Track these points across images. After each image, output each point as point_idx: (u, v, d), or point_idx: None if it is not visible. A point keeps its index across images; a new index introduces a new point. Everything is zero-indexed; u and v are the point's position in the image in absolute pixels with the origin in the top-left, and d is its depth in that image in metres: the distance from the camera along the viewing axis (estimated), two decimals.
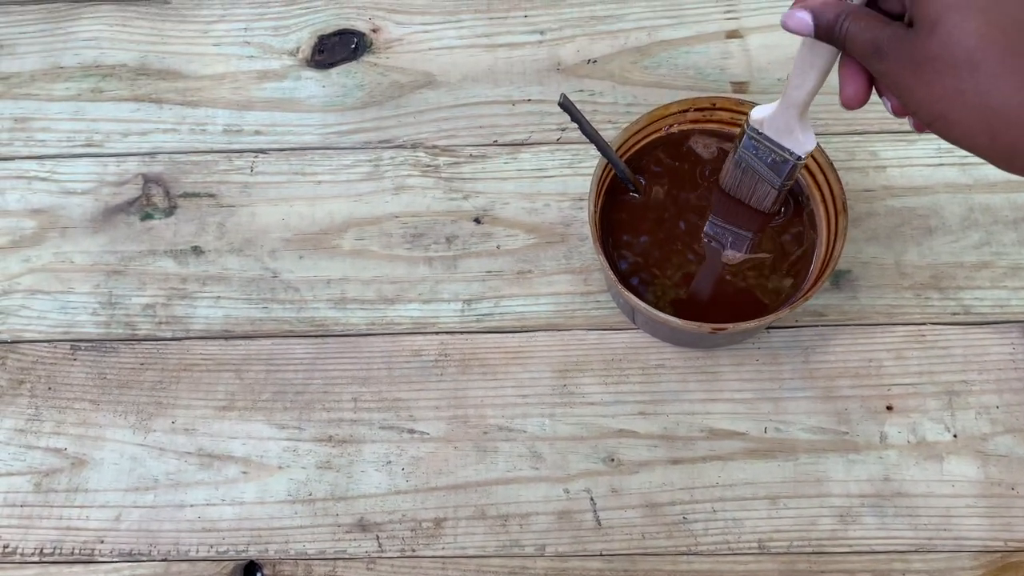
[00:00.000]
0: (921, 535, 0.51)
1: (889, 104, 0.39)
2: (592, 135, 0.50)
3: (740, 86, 0.62)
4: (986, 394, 0.54)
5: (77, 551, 0.53)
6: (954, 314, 0.56)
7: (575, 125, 0.59)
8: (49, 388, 0.57)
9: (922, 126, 0.39)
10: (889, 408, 0.54)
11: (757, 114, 0.47)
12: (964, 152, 0.59)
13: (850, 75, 0.38)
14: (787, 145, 0.47)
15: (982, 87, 0.32)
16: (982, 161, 0.59)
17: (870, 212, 0.59)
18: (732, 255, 0.52)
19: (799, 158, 0.47)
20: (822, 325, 0.56)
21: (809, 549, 0.51)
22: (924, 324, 0.56)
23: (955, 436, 0.53)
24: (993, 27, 0.32)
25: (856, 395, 0.54)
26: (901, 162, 0.60)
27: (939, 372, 0.54)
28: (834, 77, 0.40)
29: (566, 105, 0.49)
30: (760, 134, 0.47)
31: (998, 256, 0.57)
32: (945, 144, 0.60)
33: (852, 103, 0.38)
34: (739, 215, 0.53)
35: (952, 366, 0.54)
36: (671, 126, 0.54)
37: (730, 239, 0.53)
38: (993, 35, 0.32)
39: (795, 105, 0.45)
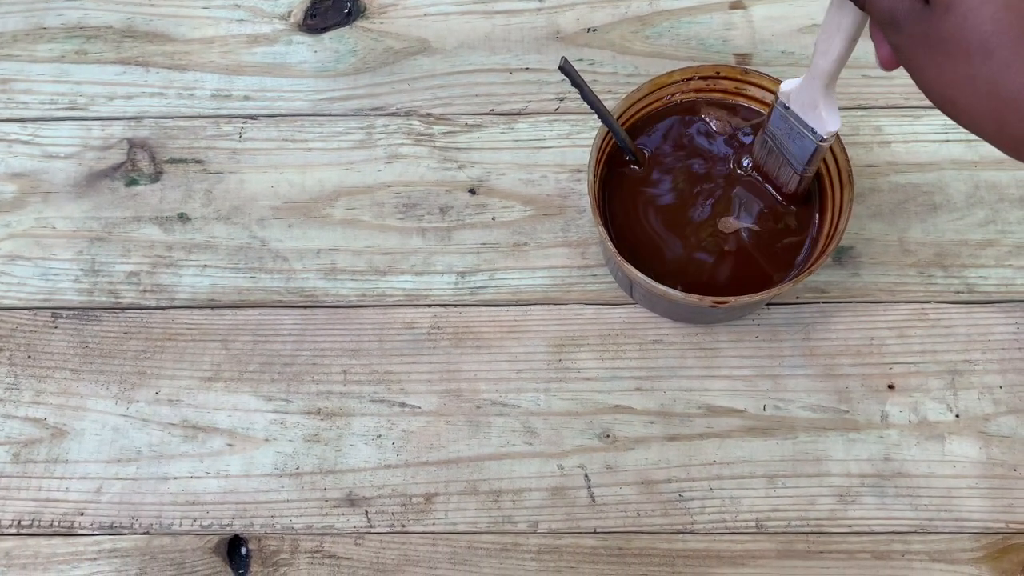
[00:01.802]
0: (921, 516, 0.50)
1: None
2: (593, 102, 0.49)
3: (743, 58, 0.61)
4: (989, 374, 0.53)
5: (56, 523, 0.52)
6: (958, 292, 0.55)
7: (574, 94, 0.57)
8: (29, 356, 0.55)
9: (889, 63, 0.37)
10: (891, 387, 0.53)
11: (786, 87, 0.45)
12: None
13: (882, 38, 0.37)
14: (810, 123, 0.45)
15: (994, 75, 0.31)
16: None
17: (874, 188, 0.57)
18: (728, 223, 0.51)
19: (821, 139, 0.45)
20: (823, 302, 0.55)
21: (807, 529, 0.50)
22: (927, 302, 0.54)
23: (957, 416, 0.52)
24: (1011, 12, 0.31)
25: (857, 373, 0.53)
26: (906, 137, 0.58)
27: (942, 351, 0.53)
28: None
29: (566, 69, 0.47)
30: (787, 108, 0.46)
31: (1003, 234, 0.56)
32: (951, 120, 0.58)
33: (888, 64, 0.37)
34: (763, 192, 0.51)
35: (955, 345, 0.53)
36: (674, 95, 0.53)
37: (747, 209, 0.51)
38: (1010, 20, 0.31)
39: (820, 75, 0.43)
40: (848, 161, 0.48)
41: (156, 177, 0.60)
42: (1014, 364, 0.53)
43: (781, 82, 0.50)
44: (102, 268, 0.57)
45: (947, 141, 0.58)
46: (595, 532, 0.51)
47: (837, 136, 0.48)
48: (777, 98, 0.46)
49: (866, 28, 0.39)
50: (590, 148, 0.50)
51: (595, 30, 0.62)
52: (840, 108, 0.58)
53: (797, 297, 0.55)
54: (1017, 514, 0.50)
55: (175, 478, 0.52)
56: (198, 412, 0.54)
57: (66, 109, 0.62)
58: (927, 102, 0.59)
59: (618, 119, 0.51)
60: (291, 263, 0.57)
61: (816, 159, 0.47)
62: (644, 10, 0.63)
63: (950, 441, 0.51)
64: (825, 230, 0.50)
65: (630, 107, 0.51)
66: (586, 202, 0.58)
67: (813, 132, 0.45)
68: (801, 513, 0.50)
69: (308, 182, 0.59)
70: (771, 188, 0.51)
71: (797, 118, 0.45)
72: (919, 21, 0.33)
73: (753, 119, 0.53)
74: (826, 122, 0.44)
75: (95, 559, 0.51)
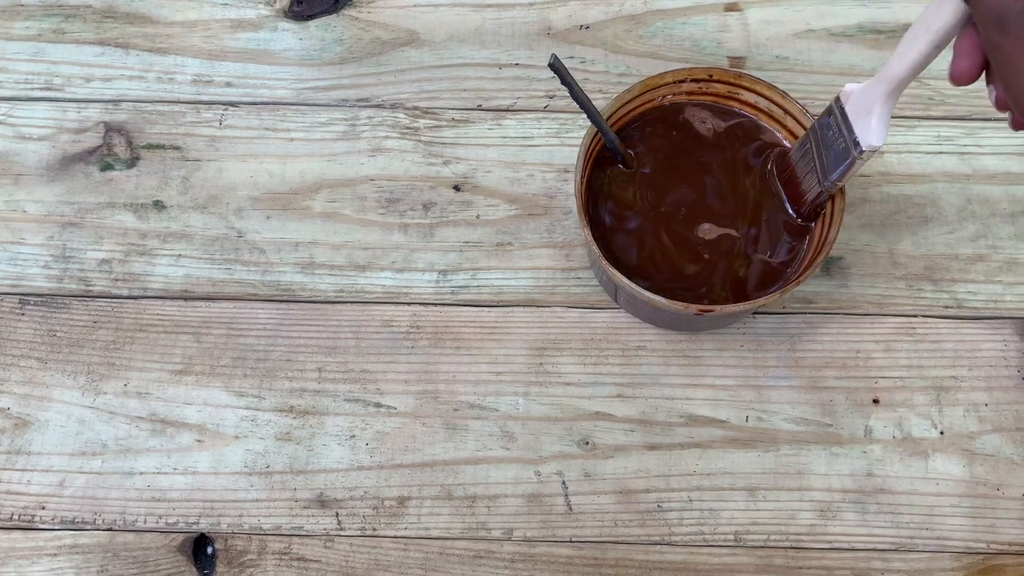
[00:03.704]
0: (903, 534, 0.49)
1: (994, 95, 0.37)
2: (582, 101, 0.47)
3: (737, 61, 0.60)
4: (975, 391, 0.52)
5: (16, 516, 0.50)
6: (946, 307, 0.54)
7: (564, 92, 0.56)
8: None
9: (1020, 124, 0.37)
10: (875, 401, 0.52)
11: (850, 87, 0.43)
12: (964, 141, 0.57)
13: (967, 49, 0.36)
14: (857, 130, 0.43)
15: None
16: (982, 150, 0.57)
17: (865, 198, 0.56)
18: (708, 228, 0.50)
19: (861, 151, 0.43)
20: (810, 312, 0.54)
21: (787, 543, 0.49)
22: (915, 316, 0.54)
23: (942, 433, 0.51)
24: None
25: (842, 386, 0.52)
26: (899, 148, 0.58)
27: (928, 366, 0.53)
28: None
29: (556, 66, 0.46)
30: (841, 108, 0.44)
31: (994, 250, 0.55)
32: (945, 132, 0.58)
33: (961, 78, 0.36)
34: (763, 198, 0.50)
35: (942, 361, 0.53)
36: (665, 96, 0.52)
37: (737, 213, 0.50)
38: None
39: (888, 79, 0.41)
40: None
41: (132, 163, 0.58)
42: (1000, 382, 0.52)
43: (774, 87, 0.50)
44: (73, 255, 0.56)
45: (940, 153, 0.57)
46: (571, 541, 0.49)
47: None
48: (838, 97, 0.44)
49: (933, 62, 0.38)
50: (578, 147, 0.49)
51: (587, 27, 0.61)
52: None
53: (784, 307, 0.54)
54: (999, 534, 0.49)
55: (141, 473, 0.51)
56: (167, 406, 0.52)
57: (41, 89, 0.60)
58: (921, 112, 0.58)
59: (608, 119, 0.49)
60: (268, 255, 0.55)
61: (846, 173, 0.44)
62: (638, 9, 0.61)
63: (934, 458, 0.51)
64: (815, 239, 0.49)
65: (620, 107, 0.50)
66: (572, 203, 0.56)
67: (856, 143, 0.43)
68: (781, 527, 0.50)
69: (288, 173, 0.57)
70: (782, 192, 0.50)
71: (847, 122, 0.43)
72: None
73: (741, 121, 0.52)
74: (872, 133, 0.42)
75: (55, 555, 0.49)
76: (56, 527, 0.50)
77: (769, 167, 0.51)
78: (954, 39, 0.37)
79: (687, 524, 0.50)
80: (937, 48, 0.38)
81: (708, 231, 0.50)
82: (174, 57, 0.61)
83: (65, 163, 0.58)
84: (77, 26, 0.61)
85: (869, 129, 0.42)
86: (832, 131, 0.45)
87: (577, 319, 0.54)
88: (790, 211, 0.50)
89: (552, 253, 0.55)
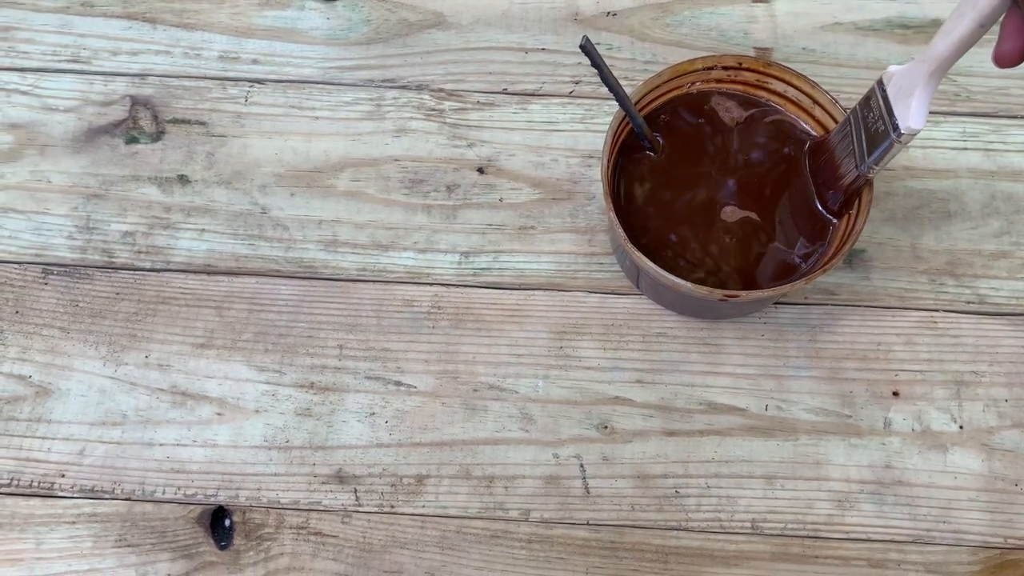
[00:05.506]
0: (920, 526, 0.49)
1: (994, 50, 0.37)
2: (611, 84, 0.47)
3: (764, 52, 0.60)
4: (996, 387, 0.52)
5: (36, 484, 0.50)
6: (968, 302, 0.54)
7: (589, 78, 0.56)
8: (16, 312, 0.54)
9: (1003, 56, 0.37)
10: (895, 394, 0.52)
11: (893, 68, 0.43)
12: (990, 138, 0.57)
13: (1013, 30, 0.36)
14: (897, 112, 0.42)
15: None
16: (1008, 147, 0.57)
17: (888, 192, 0.56)
18: (731, 211, 0.50)
19: (900, 134, 0.42)
20: (832, 304, 0.54)
21: (804, 533, 0.49)
22: (937, 311, 0.54)
23: (961, 427, 0.51)
24: None
25: (862, 378, 0.52)
26: (924, 143, 0.57)
27: (949, 361, 0.52)
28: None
29: (587, 48, 0.46)
30: (883, 90, 0.43)
31: (1018, 246, 0.55)
32: (971, 128, 0.58)
33: (1005, 60, 0.36)
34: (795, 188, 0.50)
35: (963, 355, 0.53)
36: (693, 83, 0.52)
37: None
38: None
39: (931, 59, 0.40)
40: None
41: (158, 136, 0.58)
42: (1021, 378, 0.52)
43: (804, 77, 0.50)
44: (97, 226, 0.56)
45: (965, 149, 0.57)
46: (588, 524, 0.50)
47: None
48: (880, 79, 0.44)
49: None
50: (604, 133, 0.49)
51: (615, 14, 0.61)
52: None
53: (805, 297, 0.54)
54: (1017, 530, 0.49)
55: (161, 444, 0.51)
56: (188, 379, 0.52)
57: (68, 61, 0.60)
58: (947, 108, 0.58)
59: (635, 104, 0.49)
60: (291, 232, 0.56)
61: (884, 158, 0.44)
62: None
63: (952, 452, 0.51)
64: (841, 230, 0.49)
65: (648, 93, 0.50)
66: (596, 188, 0.56)
67: (895, 126, 0.42)
68: (798, 516, 0.50)
69: (313, 151, 0.58)
70: (811, 183, 0.50)
71: (887, 104, 0.43)
72: None
73: (767, 110, 0.52)
74: (912, 116, 0.41)
75: (74, 523, 0.49)
76: (75, 495, 0.50)
77: (804, 154, 0.50)
78: (1000, 18, 0.37)
79: (704, 510, 0.50)
80: (982, 27, 0.38)
81: (731, 213, 0.50)
82: (201, 33, 0.61)
83: (91, 135, 0.58)
84: None
85: (909, 111, 0.42)
86: (873, 113, 0.44)
87: (598, 304, 0.54)
88: (818, 204, 0.50)
89: (575, 238, 0.55)
